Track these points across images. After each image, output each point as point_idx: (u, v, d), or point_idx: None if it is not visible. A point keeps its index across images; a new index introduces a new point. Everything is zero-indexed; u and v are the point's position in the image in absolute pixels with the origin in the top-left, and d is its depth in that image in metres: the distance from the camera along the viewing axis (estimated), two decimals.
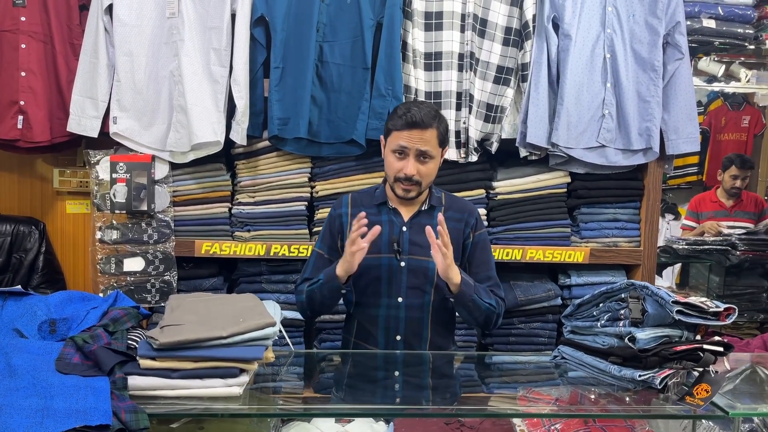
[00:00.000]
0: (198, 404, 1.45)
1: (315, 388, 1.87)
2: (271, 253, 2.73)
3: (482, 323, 2.07)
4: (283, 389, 1.78)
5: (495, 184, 2.83)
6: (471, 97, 2.74)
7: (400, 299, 2.04)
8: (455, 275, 1.92)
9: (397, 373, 1.97)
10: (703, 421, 1.73)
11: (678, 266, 4.45)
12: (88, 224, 2.93)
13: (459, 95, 2.74)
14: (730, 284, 3.65)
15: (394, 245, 2.03)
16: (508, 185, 2.83)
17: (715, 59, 3.72)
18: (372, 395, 1.80)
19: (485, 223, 2.69)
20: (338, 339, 2.77)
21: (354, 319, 2.16)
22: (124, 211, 2.62)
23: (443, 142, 2.06)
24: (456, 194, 2.69)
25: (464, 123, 2.75)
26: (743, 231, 3.91)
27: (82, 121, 2.63)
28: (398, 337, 2.07)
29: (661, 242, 3.83)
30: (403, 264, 2.03)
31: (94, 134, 2.64)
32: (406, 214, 2.08)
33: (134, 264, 2.64)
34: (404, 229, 2.06)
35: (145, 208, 2.61)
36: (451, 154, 2.75)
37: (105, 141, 2.67)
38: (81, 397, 1.34)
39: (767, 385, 1.83)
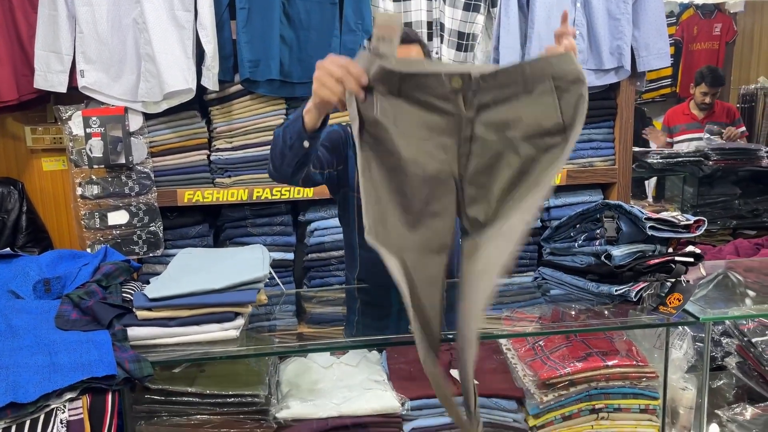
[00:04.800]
0: (197, 349, 1.50)
1: (308, 325, 1.94)
2: (254, 197, 2.75)
3: None
4: (278, 328, 1.84)
5: None
6: (441, 25, 2.72)
7: None
8: None
9: (384, 304, 2.04)
10: (680, 327, 1.82)
11: (654, 180, 4.53)
12: (67, 181, 2.92)
13: (429, 24, 2.71)
14: (704, 194, 3.73)
15: None
16: None
17: None
18: (363, 327, 1.88)
19: None
20: (327, 276, 2.84)
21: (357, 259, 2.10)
22: (103, 166, 2.60)
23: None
24: None
25: (436, 53, 2.73)
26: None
27: (49, 77, 2.58)
28: None
29: None
30: None
31: (63, 89, 2.59)
32: None
33: (118, 217, 2.65)
34: None
35: (123, 161, 2.59)
36: None
37: (75, 95, 2.63)
38: (84, 351, 1.37)
39: (738, 289, 1.92)
